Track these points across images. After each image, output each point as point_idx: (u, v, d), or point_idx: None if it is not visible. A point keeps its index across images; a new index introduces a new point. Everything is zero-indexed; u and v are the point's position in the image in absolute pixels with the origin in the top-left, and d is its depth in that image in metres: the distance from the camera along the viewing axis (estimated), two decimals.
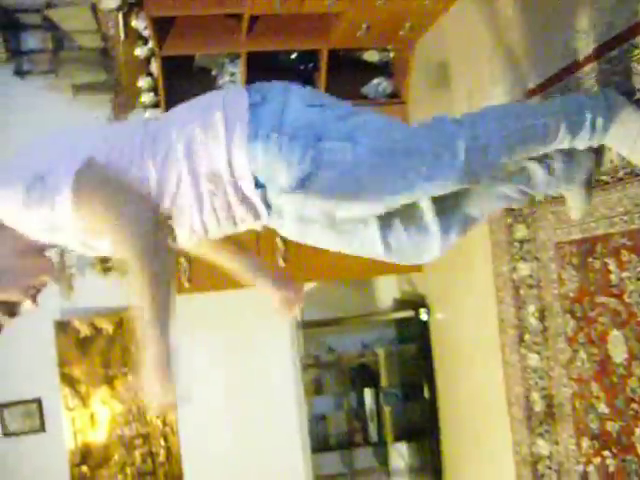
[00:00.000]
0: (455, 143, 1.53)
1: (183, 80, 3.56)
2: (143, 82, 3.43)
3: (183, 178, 1.43)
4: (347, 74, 3.70)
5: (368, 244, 1.70)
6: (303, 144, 1.41)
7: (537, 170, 1.83)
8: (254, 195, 1.47)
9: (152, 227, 1.39)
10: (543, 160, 1.83)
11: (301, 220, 1.58)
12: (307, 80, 3.70)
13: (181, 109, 1.57)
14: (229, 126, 1.42)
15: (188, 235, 1.54)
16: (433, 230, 1.70)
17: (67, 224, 1.39)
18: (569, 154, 1.85)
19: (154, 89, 3.45)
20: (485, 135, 1.58)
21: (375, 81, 3.66)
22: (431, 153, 1.52)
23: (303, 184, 1.44)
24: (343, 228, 1.64)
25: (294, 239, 1.67)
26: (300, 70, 3.70)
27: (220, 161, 1.43)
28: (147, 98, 3.47)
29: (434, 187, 1.58)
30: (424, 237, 1.71)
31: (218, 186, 1.45)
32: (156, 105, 3.51)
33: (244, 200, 1.48)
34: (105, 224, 1.39)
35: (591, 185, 1.96)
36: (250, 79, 3.46)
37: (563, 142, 1.70)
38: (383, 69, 3.73)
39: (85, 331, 3.75)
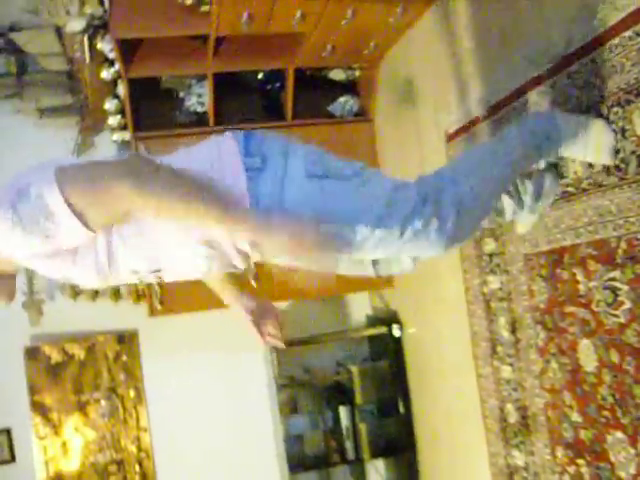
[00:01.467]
0: (439, 207, 1.57)
1: (150, 102, 3.56)
2: (110, 104, 3.42)
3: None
4: (313, 93, 3.72)
5: (360, 269, 1.78)
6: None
7: (509, 205, 2.01)
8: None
9: (141, 161, 1.34)
10: (516, 194, 1.99)
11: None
12: (274, 99, 3.72)
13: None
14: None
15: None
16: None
17: (66, 234, 1.31)
18: (539, 187, 2.00)
19: (121, 111, 3.44)
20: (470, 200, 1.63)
21: (342, 99, 3.69)
22: (423, 224, 1.54)
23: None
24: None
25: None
26: (267, 90, 3.72)
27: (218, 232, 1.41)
28: (114, 120, 3.46)
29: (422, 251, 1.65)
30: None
31: (216, 251, 1.45)
32: (124, 127, 3.49)
33: (240, 252, 1.47)
34: (104, 197, 1.29)
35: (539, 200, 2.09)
36: (217, 99, 3.47)
37: (529, 169, 1.86)
38: (349, 87, 3.76)
39: (56, 357, 3.69)
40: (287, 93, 3.55)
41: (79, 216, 1.28)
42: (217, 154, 1.45)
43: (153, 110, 3.57)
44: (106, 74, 3.33)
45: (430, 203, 1.55)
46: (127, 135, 3.50)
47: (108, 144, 3.67)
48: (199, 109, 3.57)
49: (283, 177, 1.40)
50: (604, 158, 1.80)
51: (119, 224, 1.37)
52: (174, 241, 1.42)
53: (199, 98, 3.54)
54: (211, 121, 3.53)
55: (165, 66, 3.39)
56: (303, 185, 1.41)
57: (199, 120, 3.58)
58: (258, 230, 1.31)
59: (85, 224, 1.29)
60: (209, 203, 1.30)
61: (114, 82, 3.39)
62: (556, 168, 2.02)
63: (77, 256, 1.38)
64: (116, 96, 3.43)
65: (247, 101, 3.76)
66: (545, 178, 2.01)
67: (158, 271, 1.50)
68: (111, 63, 3.32)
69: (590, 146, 1.81)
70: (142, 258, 1.44)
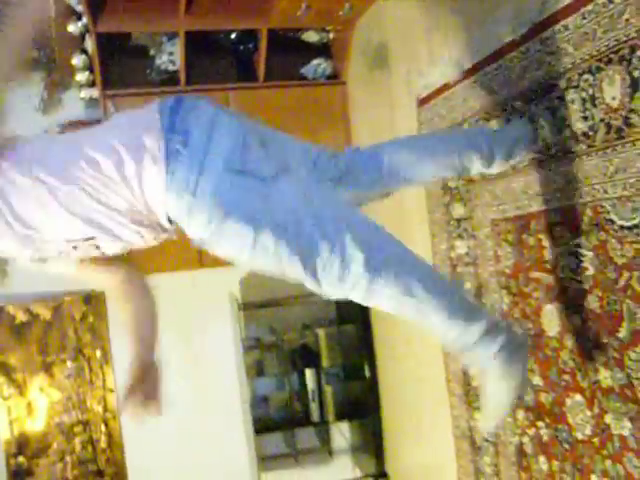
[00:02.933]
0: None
1: (120, 58, 3.48)
2: (77, 60, 3.34)
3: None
4: (287, 55, 3.68)
5: None
6: (208, 216, 1.38)
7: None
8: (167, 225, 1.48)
9: None
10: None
11: None
12: (246, 60, 3.67)
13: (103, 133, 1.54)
14: (144, 176, 1.39)
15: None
16: None
17: None
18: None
19: (89, 67, 3.36)
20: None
21: (315, 62, 3.66)
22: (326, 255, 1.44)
23: (203, 243, 1.44)
24: None
25: None
26: (239, 50, 3.67)
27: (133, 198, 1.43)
28: (82, 77, 3.38)
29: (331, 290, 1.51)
30: None
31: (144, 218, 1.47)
32: (92, 84, 3.42)
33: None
34: None
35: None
36: (189, 59, 3.42)
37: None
38: (323, 50, 3.73)
39: (21, 317, 3.66)
40: (260, 54, 3.51)
41: None
42: (139, 123, 1.45)
43: (123, 67, 3.50)
44: (73, 28, 3.25)
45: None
46: (95, 92, 3.43)
47: (76, 101, 3.59)
48: (170, 68, 3.51)
49: (201, 165, 1.37)
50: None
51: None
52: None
53: (170, 56, 3.48)
54: (182, 80, 3.47)
55: (135, 22, 3.32)
56: (221, 177, 1.38)
57: (170, 79, 3.52)
58: None
59: None
60: None
61: (82, 36, 3.31)
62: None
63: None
64: (84, 51, 3.35)
65: (219, 61, 3.71)
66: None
67: (92, 239, 1.50)
68: (79, 16, 3.23)
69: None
70: (75, 225, 1.45)
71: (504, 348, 1.57)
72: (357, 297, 1.49)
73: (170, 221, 1.46)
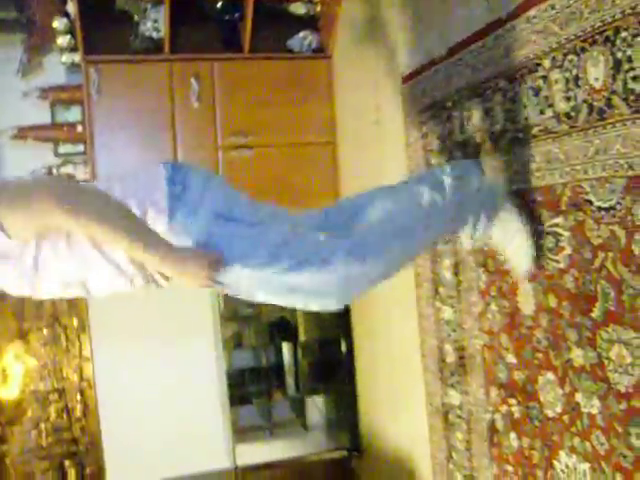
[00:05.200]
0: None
1: (103, 23, 3.41)
2: (59, 23, 3.27)
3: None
4: (273, 26, 3.64)
5: None
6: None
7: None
8: None
9: (63, 185, 1.51)
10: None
11: None
12: (232, 30, 3.63)
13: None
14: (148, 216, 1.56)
15: None
16: None
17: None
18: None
19: (71, 31, 3.30)
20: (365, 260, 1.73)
21: (301, 34, 3.62)
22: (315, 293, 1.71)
23: None
24: None
25: None
26: (225, 20, 3.63)
27: None
28: (64, 41, 3.31)
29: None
30: None
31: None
32: (74, 49, 3.36)
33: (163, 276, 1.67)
34: (29, 210, 1.42)
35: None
36: (174, 26, 3.37)
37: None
38: (309, 22, 3.69)
39: None
40: (245, 25, 3.47)
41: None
42: (147, 176, 1.64)
43: (106, 33, 3.43)
44: None
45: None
46: (77, 57, 3.37)
47: (57, 66, 3.53)
48: (154, 35, 3.45)
49: (195, 210, 1.58)
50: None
51: (44, 236, 1.50)
52: (100, 256, 1.55)
53: (155, 23, 3.42)
54: (166, 48, 3.43)
55: None
56: (209, 220, 1.59)
57: (154, 47, 3.47)
58: (167, 265, 1.51)
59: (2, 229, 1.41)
60: (129, 230, 1.45)
61: None
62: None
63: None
64: (66, 14, 3.28)
65: (204, 30, 3.66)
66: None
67: (85, 282, 1.61)
68: None
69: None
70: (73, 269, 1.56)
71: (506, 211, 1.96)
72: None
73: None
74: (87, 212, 1.41)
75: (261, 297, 1.71)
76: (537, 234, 1.93)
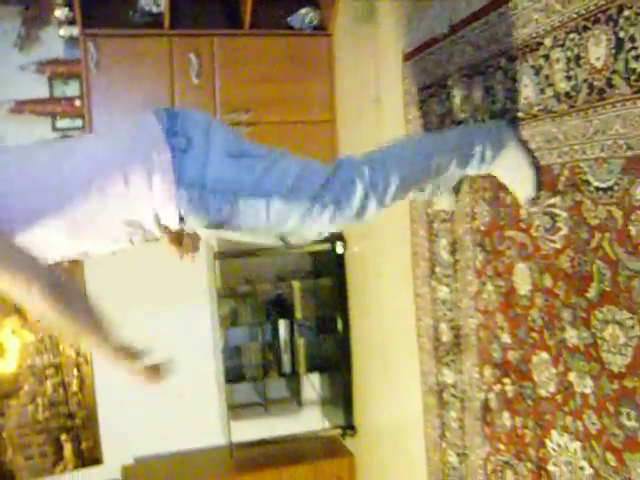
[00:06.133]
0: (354, 190, 1.72)
1: None
2: None
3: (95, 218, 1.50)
4: (274, 3, 3.62)
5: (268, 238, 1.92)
6: (221, 198, 1.54)
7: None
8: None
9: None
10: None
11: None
12: (232, 6, 3.60)
13: (95, 144, 1.62)
14: (154, 180, 1.49)
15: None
16: None
17: None
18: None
19: (69, 4, 3.27)
20: (384, 182, 1.77)
21: (302, 11, 3.59)
22: (332, 202, 1.68)
23: (219, 226, 1.61)
24: None
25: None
26: None
27: (144, 214, 1.53)
28: (62, 13, 3.28)
29: (329, 227, 1.76)
30: None
31: (137, 229, 1.57)
32: (72, 22, 3.33)
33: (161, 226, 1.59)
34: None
35: (458, 191, 2.34)
36: (174, 2, 3.34)
37: (452, 175, 1.97)
38: None
39: None
40: (246, 0, 3.44)
41: None
42: (140, 133, 1.56)
43: (105, 6, 3.40)
44: None
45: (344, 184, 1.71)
46: (76, 31, 3.34)
47: (55, 39, 3.50)
48: (154, 9, 3.41)
49: (206, 156, 1.52)
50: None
51: None
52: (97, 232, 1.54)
53: None
54: (166, 23, 3.40)
55: None
56: (223, 161, 1.54)
57: (154, 22, 3.44)
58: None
59: None
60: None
61: None
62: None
63: None
64: None
65: (205, 5, 3.63)
66: None
67: (85, 252, 1.61)
68: None
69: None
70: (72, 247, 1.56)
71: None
72: (372, 206, 1.77)
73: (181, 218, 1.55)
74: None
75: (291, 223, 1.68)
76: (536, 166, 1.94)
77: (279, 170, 1.62)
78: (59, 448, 3.82)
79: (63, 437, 3.82)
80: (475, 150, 1.92)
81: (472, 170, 1.99)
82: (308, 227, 1.71)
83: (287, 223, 1.66)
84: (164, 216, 1.55)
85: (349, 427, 3.85)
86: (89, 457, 3.87)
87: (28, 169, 1.47)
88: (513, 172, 1.96)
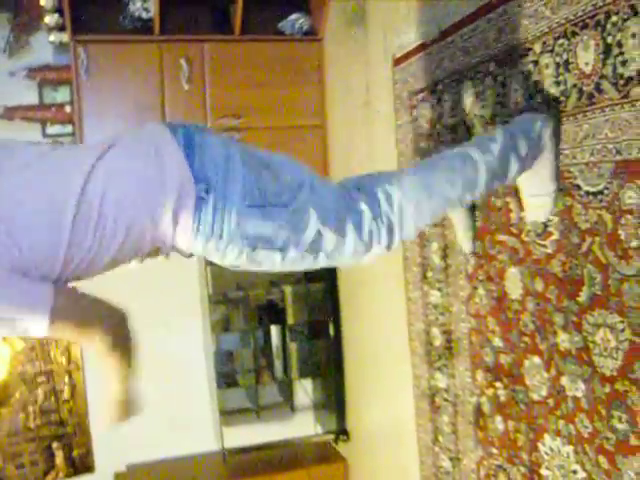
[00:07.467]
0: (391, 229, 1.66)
1: (91, 2, 3.39)
2: (46, 1, 3.23)
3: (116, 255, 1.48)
4: (264, 8, 3.62)
5: None
6: (239, 250, 1.44)
7: None
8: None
9: None
10: None
11: None
12: (223, 12, 3.60)
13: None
14: (176, 220, 1.39)
15: None
16: None
17: None
18: None
19: (59, 10, 3.26)
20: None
21: (293, 16, 3.60)
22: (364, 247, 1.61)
23: (235, 267, 1.54)
24: None
25: None
26: (216, 1, 3.60)
27: (163, 242, 1.45)
28: (51, 19, 3.27)
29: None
30: None
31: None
32: (61, 28, 3.32)
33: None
34: None
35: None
36: (163, 7, 3.34)
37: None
38: (301, 5, 3.67)
39: None
40: (237, 6, 3.44)
41: None
42: (171, 169, 1.38)
43: (94, 12, 3.40)
44: None
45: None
46: (65, 37, 3.34)
47: (45, 45, 3.49)
48: (144, 15, 3.41)
49: (224, 204, 1.40)
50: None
51: None
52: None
53: (144, 3, 3.39)
54: (156, 29, 3.40)
55: None
56: (242, 214, 1.41)
57: (144, 27, 3.44)
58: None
59: None
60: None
61: None
62: None
63: None
64: None
65: (195, 11, 3.63)
66: None
67: None
68: None
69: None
70: None
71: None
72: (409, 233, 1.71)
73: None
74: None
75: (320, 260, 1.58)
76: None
77: (300, 221, 1.49)
78: (51, 456, 3.79)
79: (55, 445, 3.80)
80: (511, 167, 1.76)
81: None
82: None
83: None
84: (181, 247, 1.48)
85: (342, 432, 3.85)
86: (81, 465, 3.85)
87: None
88: (535, 193, 1.85)
